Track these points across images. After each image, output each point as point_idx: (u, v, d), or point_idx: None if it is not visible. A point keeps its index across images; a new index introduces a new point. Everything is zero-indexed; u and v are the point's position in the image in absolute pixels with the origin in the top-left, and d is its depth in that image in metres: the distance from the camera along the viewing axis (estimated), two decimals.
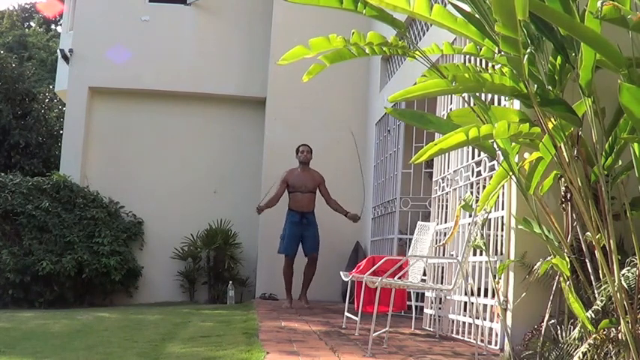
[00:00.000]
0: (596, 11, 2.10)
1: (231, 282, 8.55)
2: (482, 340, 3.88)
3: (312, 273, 7.15)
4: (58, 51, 10.83)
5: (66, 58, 10.02)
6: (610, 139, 2.63)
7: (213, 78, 9.68)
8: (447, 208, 5.03)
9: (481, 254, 4.09)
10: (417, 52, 2.86)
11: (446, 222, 5.00)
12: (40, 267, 8.17)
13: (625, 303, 2.47)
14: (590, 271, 2.89)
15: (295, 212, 7.17)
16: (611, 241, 2.55)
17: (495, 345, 3.82)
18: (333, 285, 7.86)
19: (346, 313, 5.13)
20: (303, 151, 7.29)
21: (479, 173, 4.31)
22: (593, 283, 2.84)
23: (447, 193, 4.97)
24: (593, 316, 2.70)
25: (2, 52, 13.64)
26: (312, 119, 8.82)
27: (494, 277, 3.63)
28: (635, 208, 2.73)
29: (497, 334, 3.83)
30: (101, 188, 9.36)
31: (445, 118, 3.72)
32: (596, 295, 2.77)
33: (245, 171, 9.54)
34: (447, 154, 4.91)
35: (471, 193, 4.34)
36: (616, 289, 2.48)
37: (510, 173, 2.86)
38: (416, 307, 5.31)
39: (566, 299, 2.82)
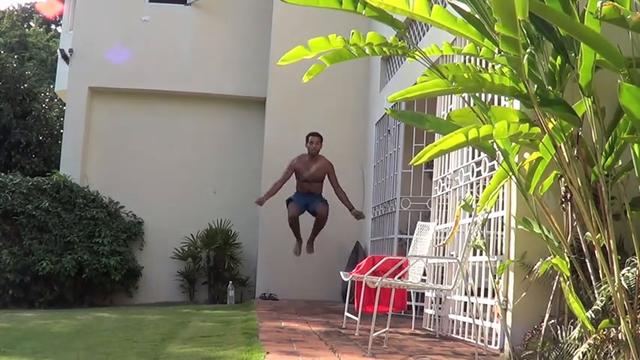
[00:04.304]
0: (595, 11, 2.10)
1: (231, 282, 8.55)
2: (482, 340, 3.87)
3: (322, 223, 6.97)
4: (58, 51, 10.85)
5: (66, 58, 10.03)
6: (610, 139, 2.62)
7: (213, 78, 9.69)
8: (447, 208, 5.02)
9: (481, 254, 4.09)
10: (417, 53, 2.86)
11: (446, 222, 5.00)
12: (40, 267, 8.19)
13: (625, 303, 2.47)
14: (590, 271, 2.89)
15: (302, 191, 7.12)
16: (611, 241, 2.55)
17: (495, 345, 3.82)
18: (333, 285, 7.86)
19: (346, 313, 5.13)
20: (312, 142, 7.09)
21: (479, 173, 4.31)
22: (593, 283, 2.84)
23: (447, 193, 4.97)
24: (593, 316, 2.70)
25: (3, 52, 13.65)
26: (312, 119, 8.79)
27: (494, 277, 3.62)
28: (635, 208, 2.73)
29: (497, 334, 3.83)
30: (101, 188, 9.37)
31: (445, 118, 3.71)
32: (596, 295, 2.77)
33: (245, 171, 9.54)
34: (446, 154, 4.91)
35: (471, 193, 4.34)
36: (616, 289, 2.48)
37: (510, 173, 2.86)
38: (416, 307, 5.31)
39: (566, 299, 2.82)
